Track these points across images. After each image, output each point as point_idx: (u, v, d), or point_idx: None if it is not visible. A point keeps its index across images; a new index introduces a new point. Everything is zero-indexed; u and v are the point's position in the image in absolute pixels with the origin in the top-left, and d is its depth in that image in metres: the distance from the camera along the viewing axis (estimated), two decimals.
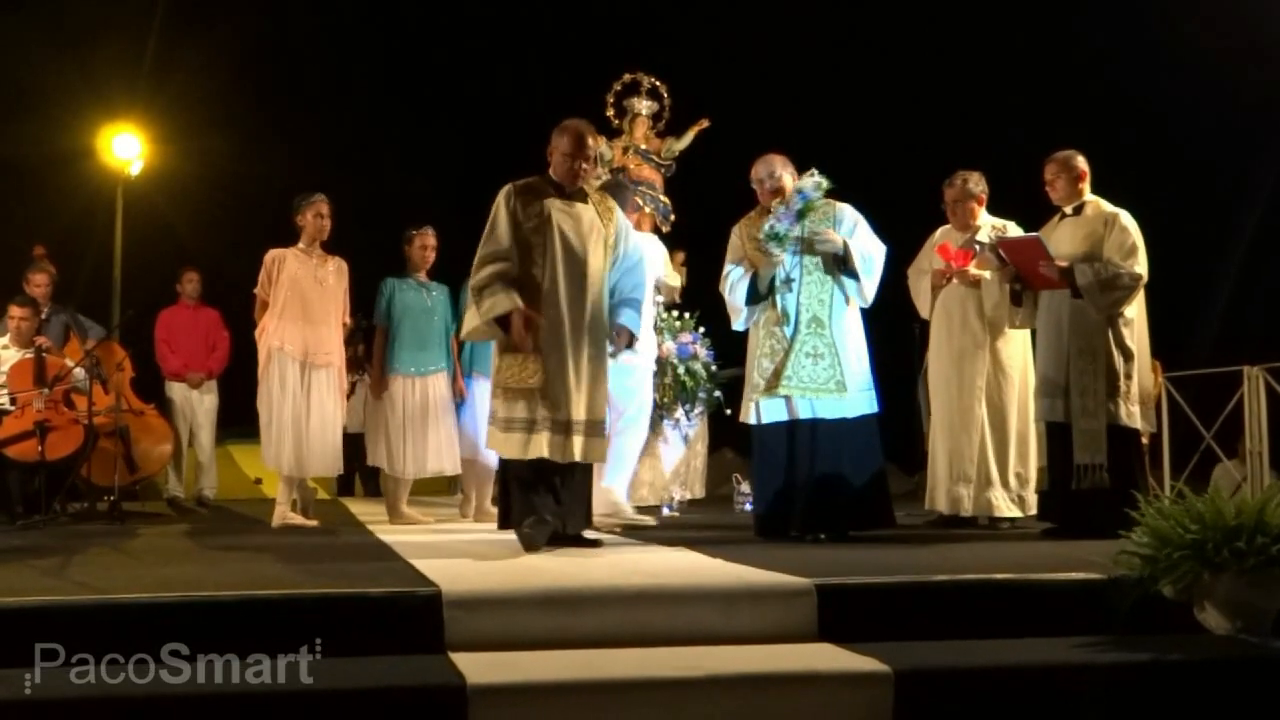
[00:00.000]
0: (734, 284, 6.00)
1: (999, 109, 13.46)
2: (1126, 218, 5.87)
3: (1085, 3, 13.85)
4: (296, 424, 6.80)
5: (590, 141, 5.40)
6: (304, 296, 6.88)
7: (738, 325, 6.15)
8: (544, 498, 5.22)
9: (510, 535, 5.30)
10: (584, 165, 5.40)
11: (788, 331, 5.78)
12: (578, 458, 5.22)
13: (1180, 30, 12.45)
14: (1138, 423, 5.91)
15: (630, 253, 5.53)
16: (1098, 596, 4.02)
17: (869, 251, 5.85)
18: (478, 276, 5.19)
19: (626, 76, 8.20)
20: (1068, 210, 6.06)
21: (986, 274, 6.37)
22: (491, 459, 6.53)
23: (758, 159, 6.04)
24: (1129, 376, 5.85)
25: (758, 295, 5.95)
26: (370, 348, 7.52)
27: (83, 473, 7.54)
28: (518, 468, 5.24)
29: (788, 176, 5.94)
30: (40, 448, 7.10)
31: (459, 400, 7.39)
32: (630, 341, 5.53)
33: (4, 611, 3.52)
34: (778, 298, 5.84)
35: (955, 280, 6.50)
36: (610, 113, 8.06)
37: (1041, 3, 13.71)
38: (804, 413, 5.77)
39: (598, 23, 14.64)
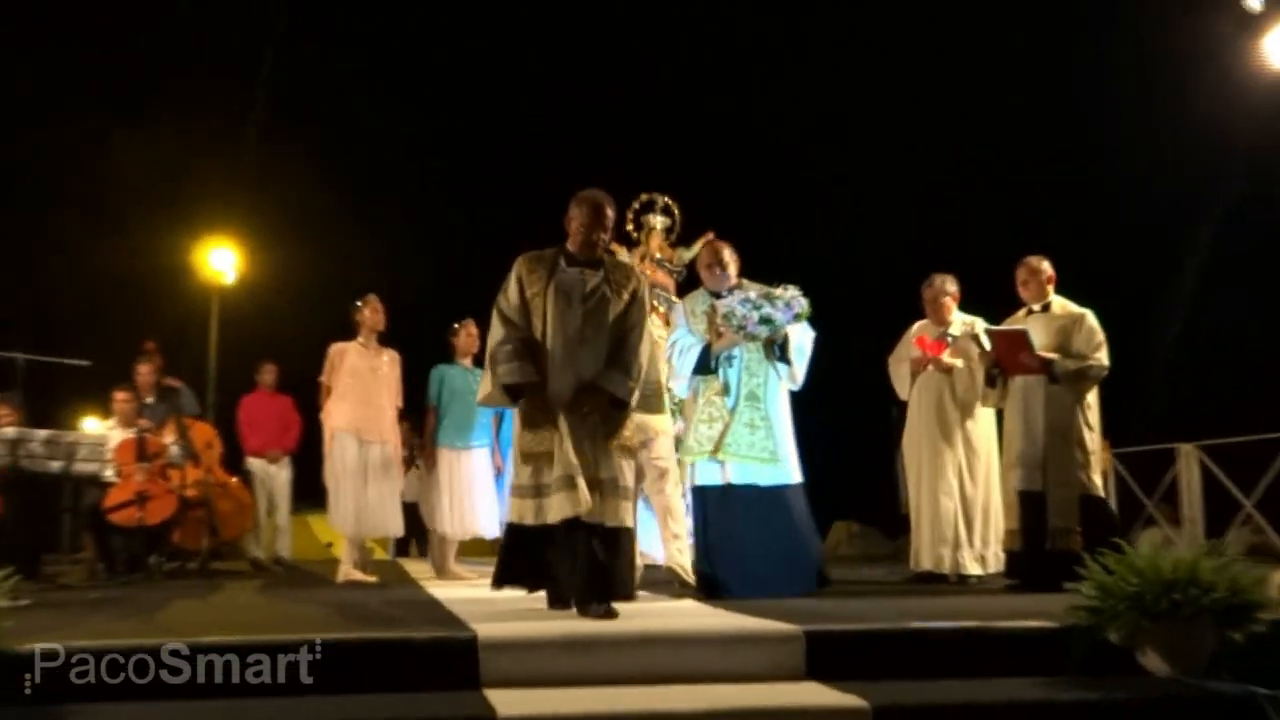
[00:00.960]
0: (684, 350, 5.75)
1: (964, 216, 13.50)
2: (1092, 317, 5.97)
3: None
4: (357, 493, 6.86)
5: (608, 212, 4.80)
6: (362, 383, 6.97)
7: (679, 390, 6.00)
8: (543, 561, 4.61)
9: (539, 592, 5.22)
10: (600, 235, 4.78)
11: (729, 403, 5.60)
12: (582, 510, 4.40)
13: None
14: (1101, 492, 5.97)
15: (629, 317, 4.72)
16: (1053, 642, 3.94)
17: (802, 342, 5.74)
18: (491, 346, 4.73)
19: (644, 196, 8.29)
20: (1036, 307, 6.13)
21: (959, 363, 6.41)
22: None
23: (711, 243, 6.03)
24: (1093, 452, 5.91)
25: (704, 367, 5.71)
26: (423, 426, 7.55)
27: (174, 537, 7.56)
28: (524, 534, 4.60)
29: (733, 266, 5.84)
30: (140, 514, 7.10)
31: (497, 472, 7.43)
32: (610, 404, 4.61)
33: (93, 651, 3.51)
34: (721, 371, 5.65)
35: (931, 367, 6.51)
36: (630, 226, 8.12)
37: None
38: (737, 478, 5.57)
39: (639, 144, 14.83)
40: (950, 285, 6.63)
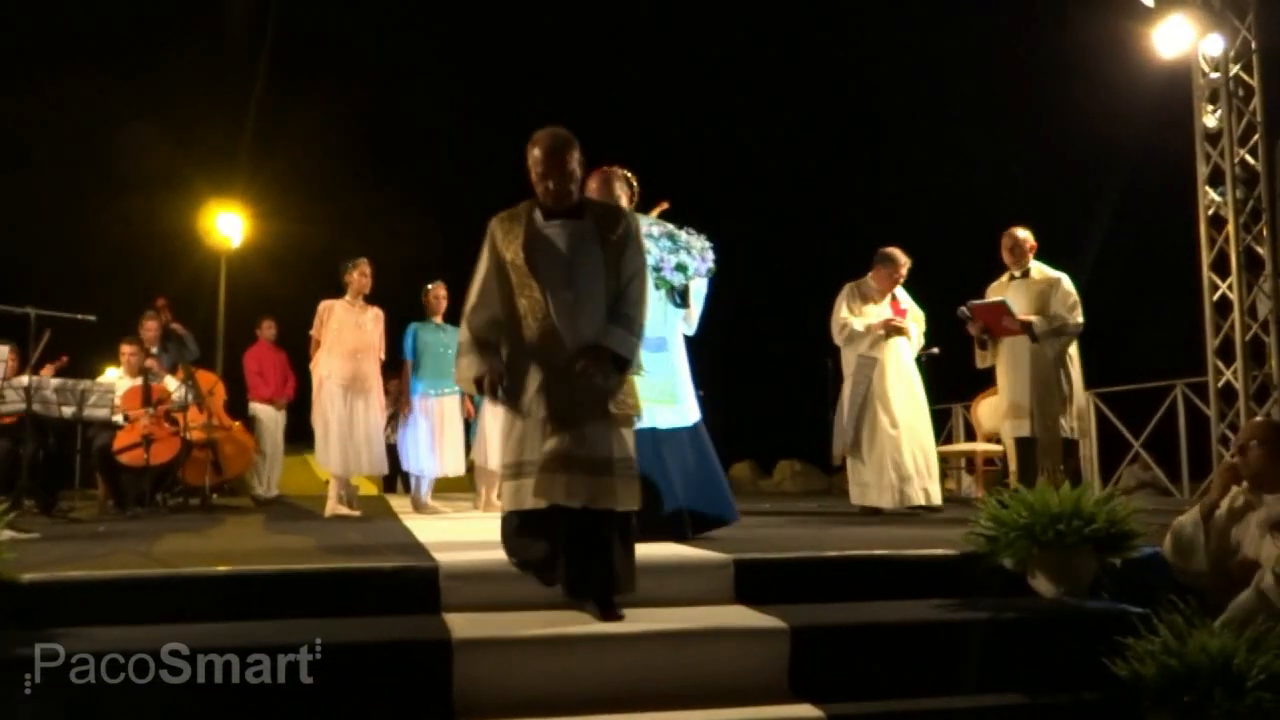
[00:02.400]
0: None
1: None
2: (1067, 280, 6.10)
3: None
4: (343, 436, 6.82)
5: (571, 151, 3.65)
6: (347, 337, 6.90)
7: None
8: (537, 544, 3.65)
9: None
10: (569, 179, 3.64)
11: None
12: (577, 499, 3.47)
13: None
14: (1076, 435, 6.09)
15: (625, 266, 3.70)
16: (954, 568, 3.97)
17: (700, 287, 5.02)
18: (461, 333, 3.78)
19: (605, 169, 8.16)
20: (1016, 273, 6.24)
21: (911, 326, 6.57)
22: (495, 463, 6.55)
23: (603, 171, 4.76)
24: (1071, 400, 6.05)
25: None
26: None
27: (179, 474, 7.48)
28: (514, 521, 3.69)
29: (625, 198, 4.75)
30: (145, 455, 6.99)
31: (468, 418, 7.43)
32: (613, 364, 3.59)
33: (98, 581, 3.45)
34: None
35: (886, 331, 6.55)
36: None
37: None
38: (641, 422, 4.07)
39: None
40: (902, 257, 6.65)
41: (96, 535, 5.25)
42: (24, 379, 6.54)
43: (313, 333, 7.01)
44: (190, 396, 7.37)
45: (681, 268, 4.80)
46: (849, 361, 6.63)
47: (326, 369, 6.87)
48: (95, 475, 7.54)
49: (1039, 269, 6.21)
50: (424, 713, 3.05)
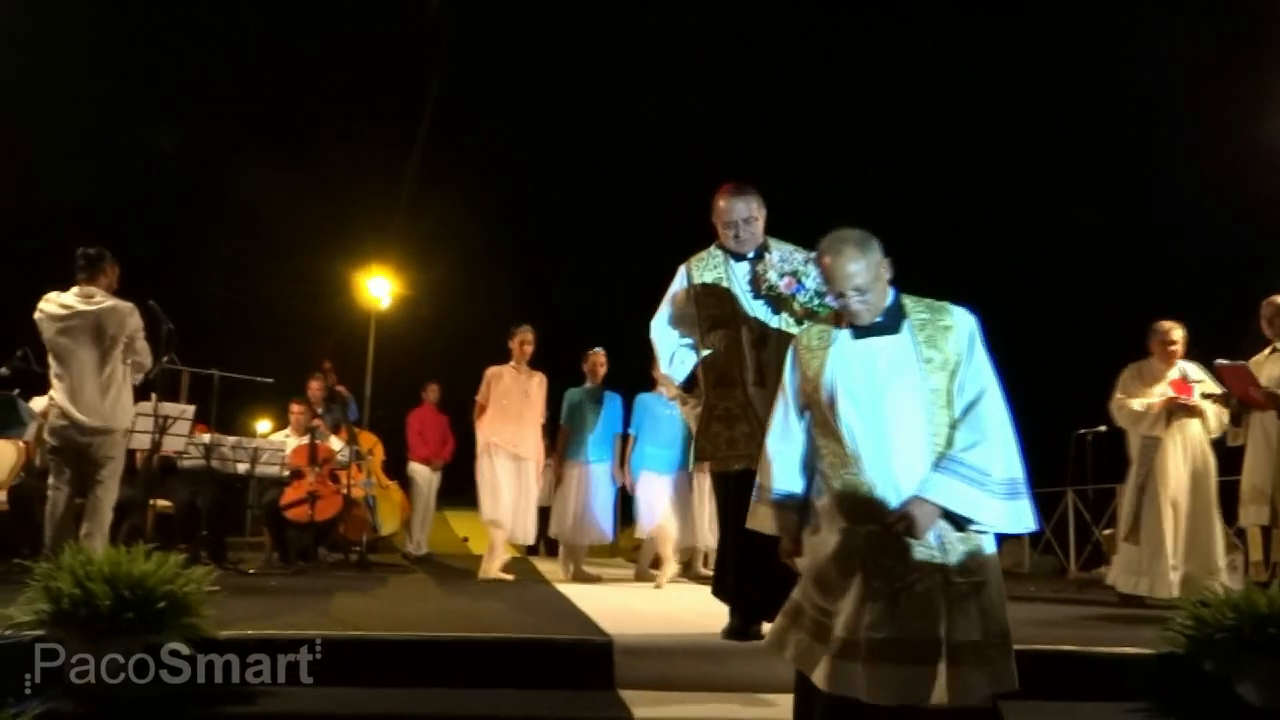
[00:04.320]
0: (679, 354, 4.10)
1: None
2: None
3: None
4: (512, 499, 6.83)
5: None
6: (513, 403, 6.92)
7: (673, 385, 4.24)
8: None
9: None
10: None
11: (761, 397, 3.79)
12: (885, 697, 2.51)
13: None
14: None
15: (968, 383, 2.76)
16: (1150, 670, 3.73)
17: None
18: (760, 470, 2.94)
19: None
20: (1278, 345, 5.80)
21: (1207, 405, 5.97)
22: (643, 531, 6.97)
23: (725, 189, 4.04)
24: None
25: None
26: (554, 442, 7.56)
27: (340, 530, 7.74)
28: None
29: (761, 221, 4.06)
30: (310, 511, 7.27)
31: (620, 487, 7.42)
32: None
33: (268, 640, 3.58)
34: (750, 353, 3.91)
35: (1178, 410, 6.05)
36: None
37: None
38: None
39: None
40: (1177, 333, 6.15)
41: (270, 590, 5.45)
42: (205, 436, 6.92)
43: (479, 398, 7.06)
44: (352, 455, 7.65)
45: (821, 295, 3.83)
46: (1134, 444, 6.20)
47: (494, 434, 6.89)
48: (261, 528, 7.87)
49: None
50: None
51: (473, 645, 3.69)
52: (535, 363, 7.16)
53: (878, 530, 2.58)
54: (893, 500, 2.59)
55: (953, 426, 2.67)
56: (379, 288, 17.61)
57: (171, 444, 6.47)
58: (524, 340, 7.08)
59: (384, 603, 5.15)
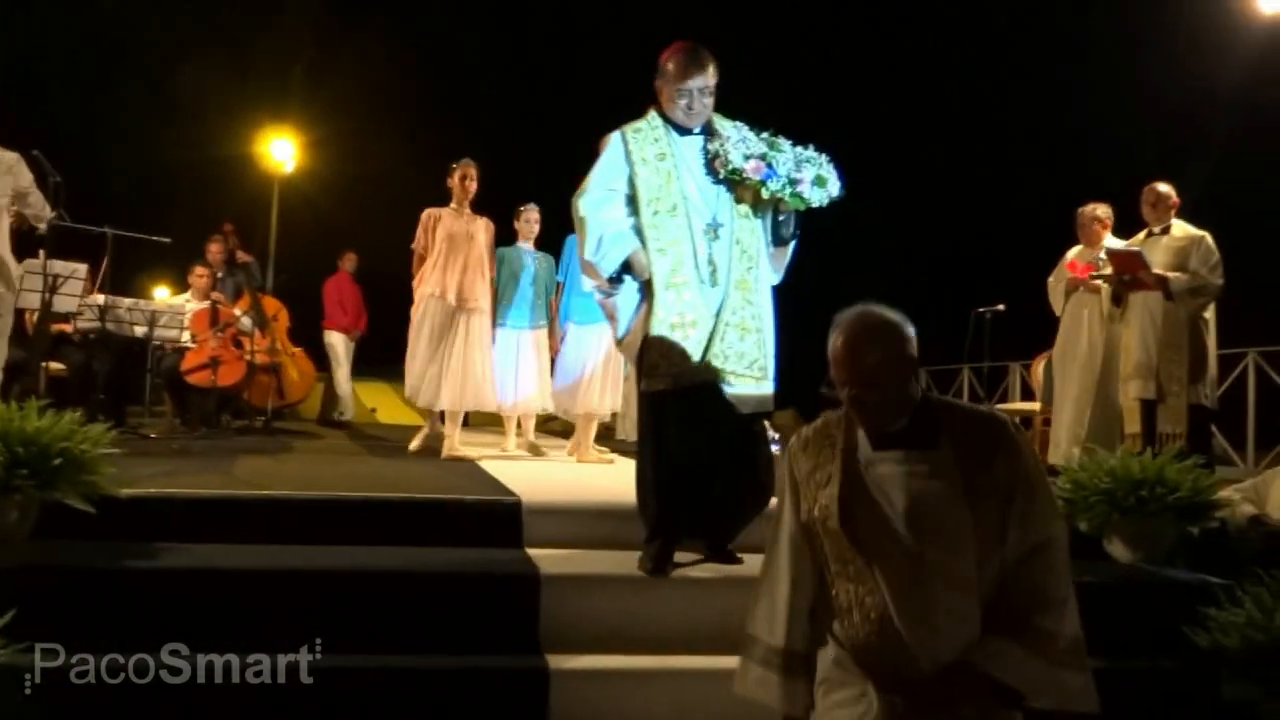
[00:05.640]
0: (609, 238, 3.47)
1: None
2: (1209, 239, 5.77)
3: None
4: (455, 364, 5.88)
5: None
6: (458, 249, 6.00)
7: (596, 291, 3.70)
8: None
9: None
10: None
11: (712, 292, 3.48)
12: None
13: None
14: (1210, 402, 5.83)
15: (1030, 525, 2.21)
16: None
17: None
18: (757, 627, 2.36)
19: None
20: (1156, 230, 5.96)
21: (1104, 285, 6.19)
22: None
23: (681, 50, 3.56)
24: (1206, 365, 5.79)
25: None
26: None
27: (244, 396, 7.62)
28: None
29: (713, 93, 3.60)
30: (213, 376, 7.12)
31: (553, 354, 6.47)
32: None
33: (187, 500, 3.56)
34: (705, 243, 3.50)
35: (1081, 289, 6.33)
36: None
37: None
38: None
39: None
40: (1100, 212, 6.38)
41: (173, 453, 5.37)
42: (99, 297, 6.66)
43: (415, 245, 6.13)
44: (257, 320, 7.48)
45: (821, 182, 3.50)
46: None
47: (435, 285, 5.97)
48: (163, 394, 7.69)
49: (1181, 226, 5.90)
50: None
51: (381, 505, 3.71)
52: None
53: (908, 698, 2.05)
54: (925, 662, 2.05)
55: (1006, 572, 2.10)
56: (282, 150, 16.99)
57: (63, 304, 6.22)
58: (465, 175, 6.13)
59: (291, 466, 5.13)
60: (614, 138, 3.61)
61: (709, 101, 3.56)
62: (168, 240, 6.65)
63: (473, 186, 6.12)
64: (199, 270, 7.85)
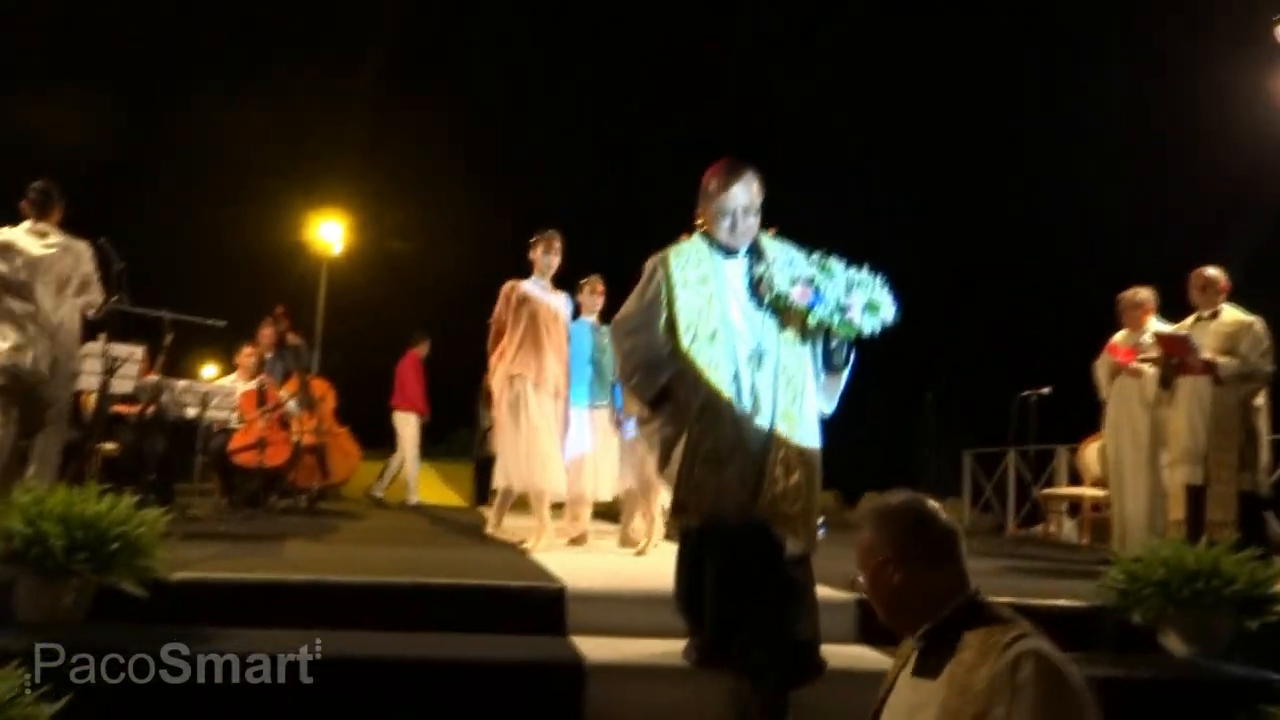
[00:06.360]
0: (648, 364, 3.34)
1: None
2: (1260, 324, 5.76)
3: None
4: (543, 446, 5.49)
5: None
6: (541, 327, 5.59)
7: (636, 420, 3.75)
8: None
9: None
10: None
11: (756, 430, 3.21)
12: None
13: None
14: (1263, 489, 5.75)
15: None
16: (1081, 621, 3.90)
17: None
18: None
19: None
20: (1205, 314, 5.95)
21: (1147, 369, 6.13)
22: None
23: (724, 169, 3.37)
24: (1258, 452, 5.71)
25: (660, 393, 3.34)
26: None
27: (289, 477, 7.71)
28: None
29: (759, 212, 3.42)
30: (260, 457, 7.24)
31: (617, 424, 5.96)
32: None
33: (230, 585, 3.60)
34: (749, 377, 3.25)
35: (1125, 373, 6.27)
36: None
37: None
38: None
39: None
40: (1142, 296, 6.38)
41: (220, 535, 5.44)
42: (153, 378, 6.83)
43: (493, 320, 5.69)
44: (304, 401, 7.61)
45: (873, 308, 3.26)
46: None
47: (519, 365, 5.50)
48: (210, 473, 7.81)
49: (1230, 311, 5.89)
50: None
51: (425, 591, 3.74)
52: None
53: None
54: None
55: None
56: (331, 232, 17.40)
57: (119, 386, 6.38)
58: (548, 248, 5.69)
59: (336, 548, 5.18)
60: (652, 262, 3.43)
61: (754, 221, 3.35)
62: (223, 323, 6.82)
63: (556, 261, 5.73)
64: (246, 350, 8.05)
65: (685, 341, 3.25)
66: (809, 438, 3.27)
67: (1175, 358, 5.81)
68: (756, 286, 3.32)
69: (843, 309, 3.22)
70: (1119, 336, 6.46)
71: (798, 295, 3.23)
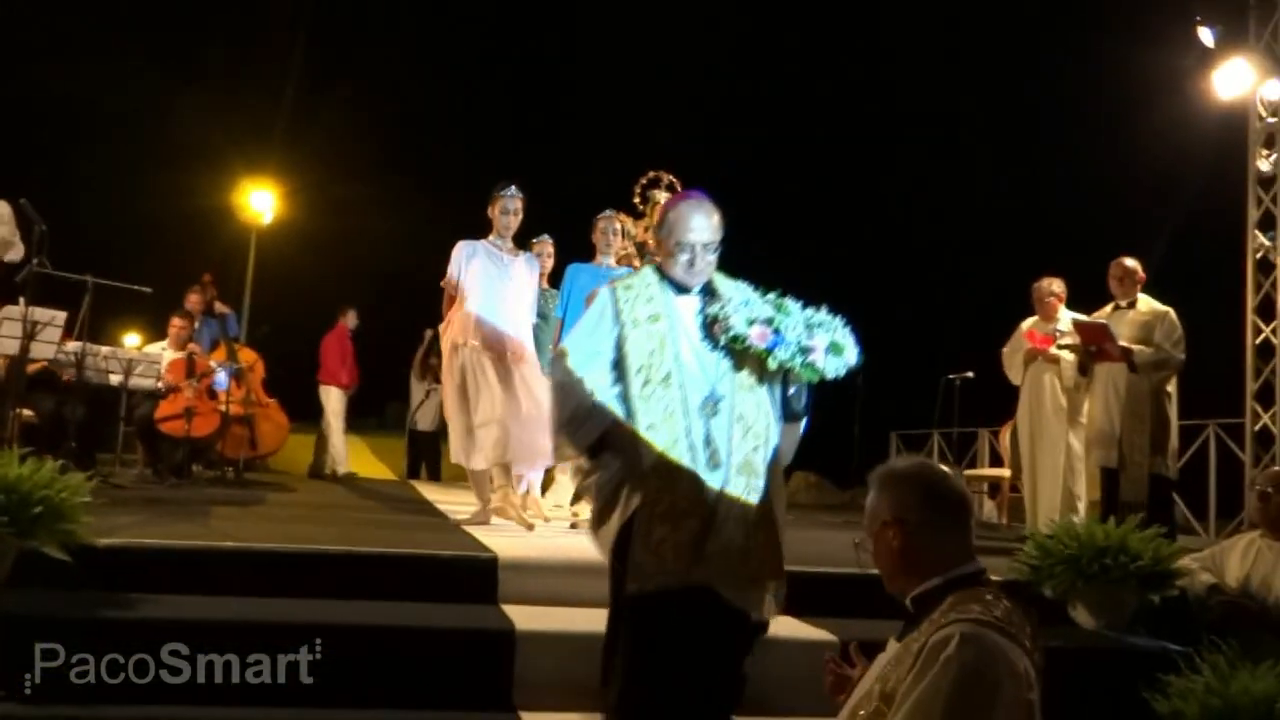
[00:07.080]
0: (585, 408, 2.89)
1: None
2: (1174, 315, 5.94)
3: None
4: (502, 415, 5.08)
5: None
6: (494, 289, 5.28)
7: (571, 470, 3.54)
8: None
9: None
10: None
11: (712, 479, 2.84)
12: None
13: None
14: (1172, 473, 5.98)
15: None
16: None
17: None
18: None
19: (651, 173, 8.25)
20: (1123, 304, 6.13)
21: (1066, 355, 6.32)
22: None
23: (685, 201, 3.06)
24: (1167, 436, 5.91)
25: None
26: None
27: (217, 447, 7.60)
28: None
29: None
30: (187, 426, 7.12)
31: None
32: None
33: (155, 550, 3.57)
34: (703, 422, 2.89)
35: (1040, 358, 6.44)
36: (636, 199, 8.07)
37: None
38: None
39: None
40: (1056, 286, 6.55)
41: (146, 502, 5.37)
42: (74, 344, 6.67)
43: (444, 282, 5.37)
44: (233, 371, 7.49)
45: (836, 349, 2.98)
46: None
47: (469, 333, 5.18)
48: (134, 442, 7.67)
49: (1146, 301, 6.08)
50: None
51: (357, 559, 3.75)
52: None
53: None
54: None
55: None
56: (261, 201, 17.06)
57: (40, 351, 6.22)
58: (506, 208, 5.35)
59: (264, 518, 5.14)
60: (603, 294, 3.08)
61: (713, 259, 3.02)
62: (149, 290, 6.69)
63: (516, 220, 5.39)
64: (178, 321, 7.88)
65: (636, 387, 2.87)
66: (772, 490, 2.96)
67: (1094, 345, 6.02)
68: (711, 327, 2.98)
69: (804, 350, 2.93)
70: (1029, 323, 6.65)
71: (756, 337, 2.92)
